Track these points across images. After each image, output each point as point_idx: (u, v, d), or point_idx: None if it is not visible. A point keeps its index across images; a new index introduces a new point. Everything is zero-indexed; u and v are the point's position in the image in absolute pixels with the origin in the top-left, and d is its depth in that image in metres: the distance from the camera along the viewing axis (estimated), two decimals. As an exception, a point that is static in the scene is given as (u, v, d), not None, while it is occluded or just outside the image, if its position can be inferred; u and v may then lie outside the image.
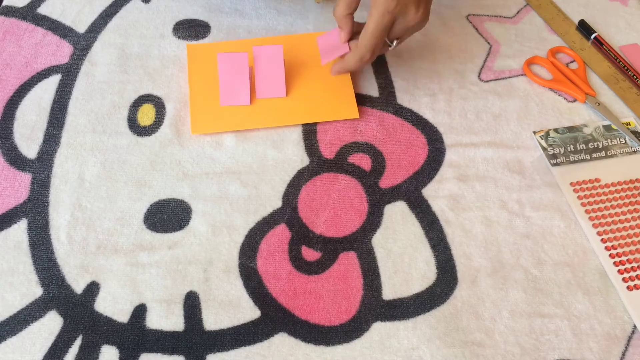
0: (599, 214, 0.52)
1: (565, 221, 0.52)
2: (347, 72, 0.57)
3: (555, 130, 0.57)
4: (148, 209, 0.51)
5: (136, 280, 0.48)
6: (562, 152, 0.55)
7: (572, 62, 0.62)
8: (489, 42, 0.63)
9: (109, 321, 0.46)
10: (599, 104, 0.57)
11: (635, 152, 0.56)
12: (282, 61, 0.57)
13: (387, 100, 0.59)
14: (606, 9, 0.67)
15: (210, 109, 0.56)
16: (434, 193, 0.53)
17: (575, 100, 0.59)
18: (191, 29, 0.63)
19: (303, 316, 0.47)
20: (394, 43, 0.53)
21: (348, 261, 0.49)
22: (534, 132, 0.56)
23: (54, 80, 0.59)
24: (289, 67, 0.58)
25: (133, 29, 0.63)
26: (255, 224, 0.51)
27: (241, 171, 0.54)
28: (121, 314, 0.46)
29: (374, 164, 0.54)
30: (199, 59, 0.59)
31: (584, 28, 0.64)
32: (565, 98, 0.60)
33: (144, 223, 0.51)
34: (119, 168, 0.53)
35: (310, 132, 0.56)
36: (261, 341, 0.46)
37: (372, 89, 0.59)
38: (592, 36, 0.63)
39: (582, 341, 0.46)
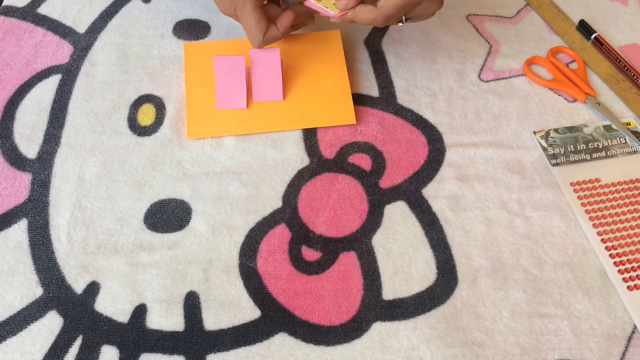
0: (599, 214, 0.52)
1: (565, 221, 0.52)
2: (350, 22, 0.52)
3: (556, 130, 0.57)
4: (148, 209, 0.51)
5: (136, 280, 0.48)
6: (562, 152, 0.55)
7: (572, 62, 0.62)
8: (489, 42, 0.63)
9: (109, 321, 0.46)
10: (599, 104, 0.57)
11: (635, 152, 0.56)
12: (280, 64, 0.57)
13: (387, 100, 0.59)
14: (606, 9, 0.67)
15: (206, 113, 0.56)
16: (434, 193, 0.53)
17: (575, 101, 0.59)
18: (191, 29, 0.63)
19: (303, 316, 0.47)
20: (405, 22, 0.52)
21: (348, 261, 0.49)
22: (534, 132, 0.56)
23: (54, 80, 0.59)
24: (287, 69, 0.58)
25: (133, 29, 0.63)
26: (255, 224, 0.51)
27: (241, 171, 0.54)
28: (121, 314, 0.46)
29: (374, 164, 0.54)
30: (196, 58, 0.59)
31: (584, 28, 0.64)
32: (565, 98, 0.60)
33: (144, 223, 0.51)
34: (119, 168, 0.53)
35: (310, 132, 0.56)
36: (261, 341, 0.46)
37: (372, 89, 0.59)
38: (592, 36, 0.63)
39: (582, 341, 0.46)
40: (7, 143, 0.55)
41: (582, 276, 0.49)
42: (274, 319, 0.47)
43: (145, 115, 0.57)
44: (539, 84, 0.60)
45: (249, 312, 0.47)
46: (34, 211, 0.51)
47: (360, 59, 0.62)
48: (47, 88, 0.58)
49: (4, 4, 0.65)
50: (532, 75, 0.60)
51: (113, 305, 0.47)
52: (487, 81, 0.60)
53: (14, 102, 0.57)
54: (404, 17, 0.51)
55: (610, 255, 0.50)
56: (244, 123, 0.56)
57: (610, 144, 0.56)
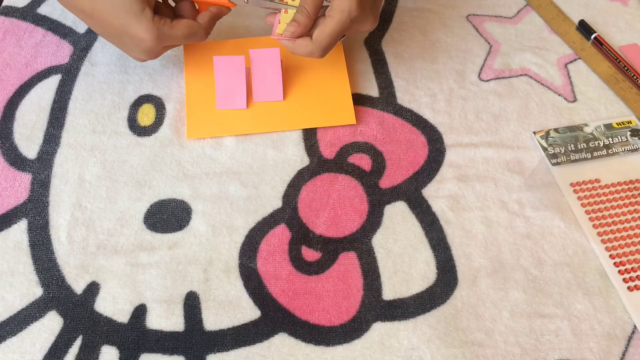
0: (599, 214, 0.52)
1: (565, 221, 0.52)
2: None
3: (556, 130, 0.57)
4: (148, 209, 0.51)
5: (136, 280, 0.48)
6: (562, 151, 0.55)
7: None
8: (489, 42, 0.63)
9: (109, 321, 0.46)
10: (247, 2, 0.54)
11: (636, 149, 0.55)
12: (280, 64, 0.57)
13: (387, 100, 0.59)
14: (606, 9, 0.67)
15: (206, 113, 0.56)
16: (434, 193, 0.53)
17: (575, 100, 0.59)
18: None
19: (303, 316, 0.47)
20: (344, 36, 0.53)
21: (348, 261, 0.49)
22: (534, 133, 0.56)
23: (54, 81, 0.59)
24: (287, 70, 0.58)
25: (133, 29, 0.63)
26: (255, 224, 0.51)
27: (241, 171, 0.54)
28: (121, 314, 0.46)
29: (374, 164, 0.54)
30: (196, 58, 0.59)
31: (584, 28, 0.64)
32: (565, 98, 0.60)
33: (144, 223, 0.51)
34: (119, 168, 0.53)
35: (310, 132, 0.56)
36: (261, 341, 0.46)
37: (372, 89, 0.59)
38: (592, 36, 0.63)
39: (582, 341, 0.46)
40: (7, 143, 0.55)
41: (582, 276, 0.49)
42: (274, 319, 0.47)
43: (145, 116, 0.57)
44: None
45: (249, 312, 0.47)
46: (34, 211, 0.51)
47: (360, 59, 0.62)
48: (47, 88, 0.58)
49: (4, 4, 0.65)
50: None
51: (113, 305, 0.47)
52: (487, 81, 0.60)
53: (13, 102, 0.57)
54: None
55: (610, 255, 0.50)
56: (244, 123, 0.56)
57: (611, 142, 0.56)
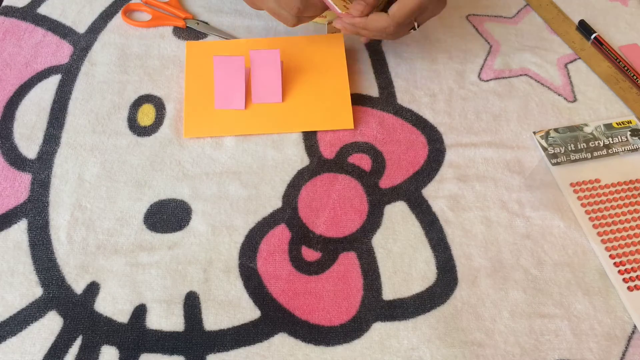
0: (599, 214, 0.52)
1: (565, 221, 0.52)
2: (362, 31, 0.53)
3: (556, 130, 0.57)
4: (148, 209, 0.51)
5: (136, 280, 0.48)
6: (562, 151, 0.55)
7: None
8: (489, 42, 0.63)
9: (109, 321, 0.46)
10: (198, 23, 0.60)
11: (636, 149, 0.55)
12: (280, 66, 0.57)
13: (387, 100, 0.59)
14: (606, 9, 0.67)
15: (204, 112, 0.56)
16: (434, 193, 0.53)
17: (575, 100, 0.59)
18: (191, 29, 0.63)
19: (303, 316, 0.47)
20: (417, 27, 0.53)
21: (348, 261, 0.49)
22: (534, 133, 0.56)
23: (54, 81, 0.59)
24: (286, 71, 0.58)
25: (133, 29, 0.63)
26: (255, 224, 0.51)
27: (241, 171, 0.54)
28: (121, 314, 0.46)
29: (374, 164, 0.54)
30: (198, 58, 0.59)
31: (584, 28, 0.64)
32: (565, 98, 0.60)
33: (144, 223, 0.51)
34: (119, 168, 0.53)
35: (310, 133, 0.56)
36: (261, 341, 0.46)
37: (372, 89, 0.59)
38: (592, 36, 0.63)
39: (582, 341, 0.46)
40: (7, 143, 0.55)
41: (582, 276, 0.49)
42: (273, 319, 0.47)
43: (145, 116, 0.57)
44: (139, 26, 0.62)
45: (249, 312, 0.47)
46: (34, 211, 0.51)
47: (360, 59, 0.62)
48: (47, 88, 0.58)
49: (4, 4, 0.65)
50: (130, 21, 0.62)
51: (113, 305, 0.47)
52: (487, 81, 0.60)
53: (13, 102, 0.57)
54: (415, 24, 0.52)
55: (610, 255, 0.50)
56: (242, 124, 0.56)
57: (611, 142, 0.56)
